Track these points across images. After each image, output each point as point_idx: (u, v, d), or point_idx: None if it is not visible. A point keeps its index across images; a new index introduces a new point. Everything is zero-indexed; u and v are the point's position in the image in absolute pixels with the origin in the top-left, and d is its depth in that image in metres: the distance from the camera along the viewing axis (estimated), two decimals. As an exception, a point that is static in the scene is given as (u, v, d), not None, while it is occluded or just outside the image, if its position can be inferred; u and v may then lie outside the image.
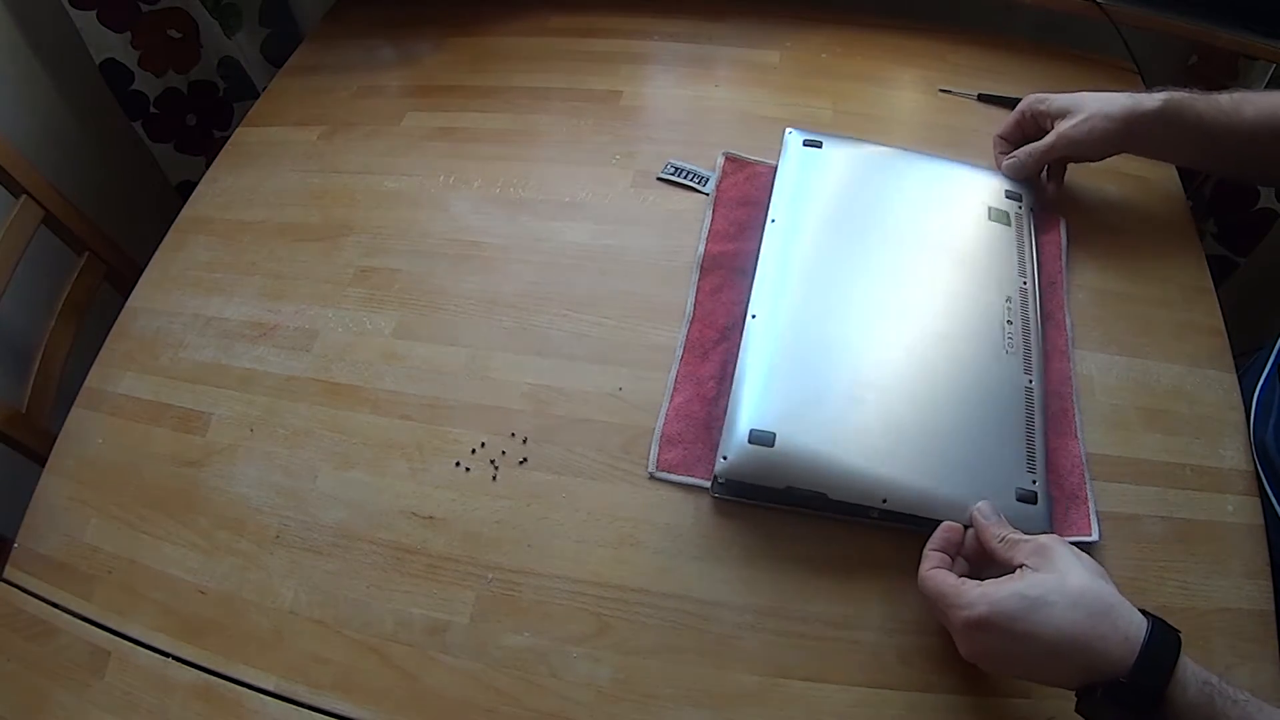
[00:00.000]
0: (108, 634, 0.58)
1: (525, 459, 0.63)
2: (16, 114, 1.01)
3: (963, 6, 1.01)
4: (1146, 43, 0.90)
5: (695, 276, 0.72)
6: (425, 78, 0.94)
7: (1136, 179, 0.79)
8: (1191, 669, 0.43)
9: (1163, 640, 0.44)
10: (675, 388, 0.66)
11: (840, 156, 0.74)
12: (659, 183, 0.80)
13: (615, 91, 0.89)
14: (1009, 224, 0.69)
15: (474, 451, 0.64)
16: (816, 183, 0.72)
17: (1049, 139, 0.70)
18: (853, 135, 0.77)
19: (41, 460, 0.68)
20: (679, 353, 0.68)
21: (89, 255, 0.92)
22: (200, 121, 1.19)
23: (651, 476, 0.62)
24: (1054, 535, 0.49)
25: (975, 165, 0.75)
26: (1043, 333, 0.66)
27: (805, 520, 0.59)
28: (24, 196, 0.85)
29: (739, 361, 0.62)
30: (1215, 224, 1.06)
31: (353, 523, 0.61)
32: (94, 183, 1.11)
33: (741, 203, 0.77)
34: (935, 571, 0.50)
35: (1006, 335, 0.62)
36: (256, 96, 0.96)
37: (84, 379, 0.72)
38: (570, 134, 0.85)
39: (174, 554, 0.61)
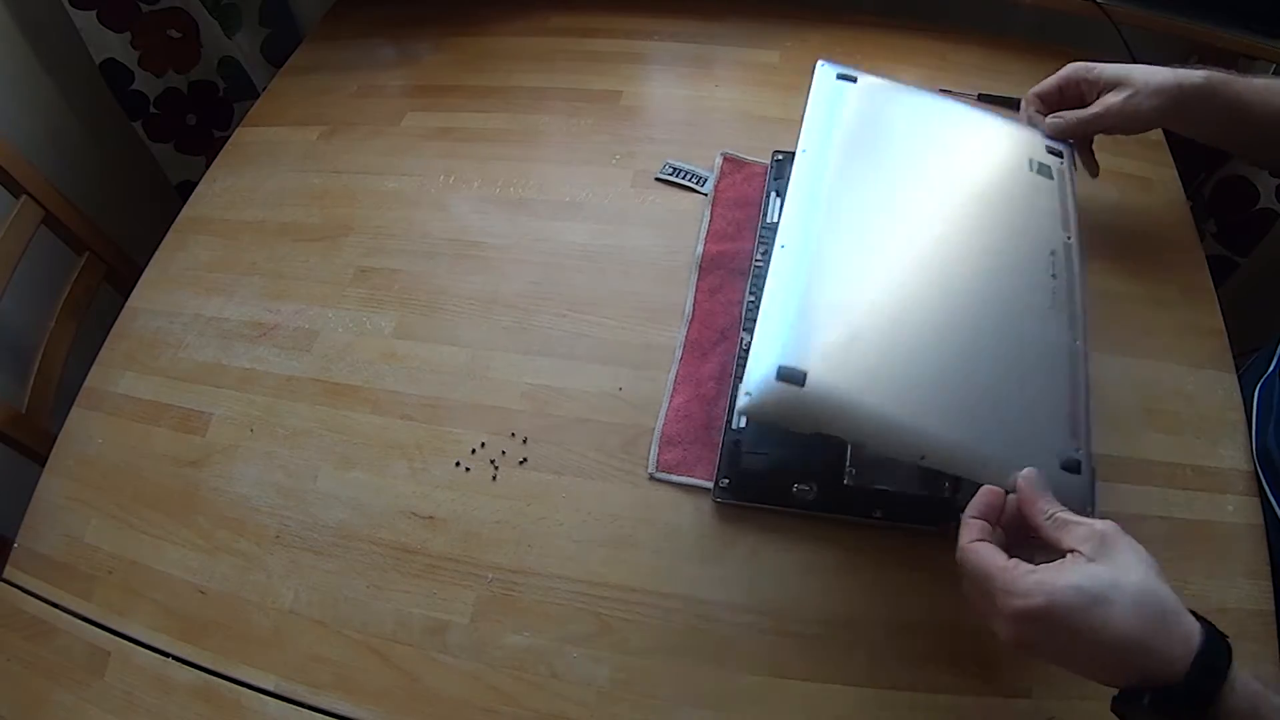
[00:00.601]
0: (107, 634, 0.58)
1: (525, 459, 0.63)
2: (16, 114, 1.01)
3: (962, 6, 1.01)
4: (1146, 43, 0.90)
5: (694, 276, 0.72)
6: (425, 77, 0.94)
7: (1136, 179, 0.80)
8: (1239, 676, 0.41)
9: (1216, 648, 0.42)
10: (675, 388, 0.66)
11: (875, 93, 0.68)
12: (658, 183, 0.80)
13: (615, 91, 0.89)
14: (1051, 178, 0.64)
15: (474, 451, 0.64)
16: (849, 117, 0.66)
17: (1096, 109, 0.67)
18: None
19: (41, 460, 0.69)
20: (678, 353, 0.68)
21: (89, 255, 0.92)
22: (200, 121, 1.19)
23: (651, 477, 0.62)
24: (1113, 523, 0.44)
25: (1012, 119, 0.70)
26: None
27: (805, 520, 0.59)
28: (24, 196, 0.85)
29: (763, 292, 0.55)
30: (1215, 224, 1.06)
31: (353, 523, 0.61)
32: (94, 183, 1.11)
33: (740, 203, 0.77)
34: (981, 546, 0.45)
35: (1051, 290, 0.57)
36: (256, 96, 0.96)
37: (84, 379, 0.72)
38: (570, 134, 0.85)
39: (174, 554, 0.61)
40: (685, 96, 0.89)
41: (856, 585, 0.57)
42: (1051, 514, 0.46)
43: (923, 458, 0.50)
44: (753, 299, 0.69)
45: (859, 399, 0.50)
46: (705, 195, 0.78)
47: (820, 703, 0.53)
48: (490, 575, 0.59)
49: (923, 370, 0.52)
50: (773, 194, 0.76)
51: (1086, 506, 0.49)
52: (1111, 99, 0.67)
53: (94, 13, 1.01)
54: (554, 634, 0.56)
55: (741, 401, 0.51)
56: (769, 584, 0.58)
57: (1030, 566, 0.44)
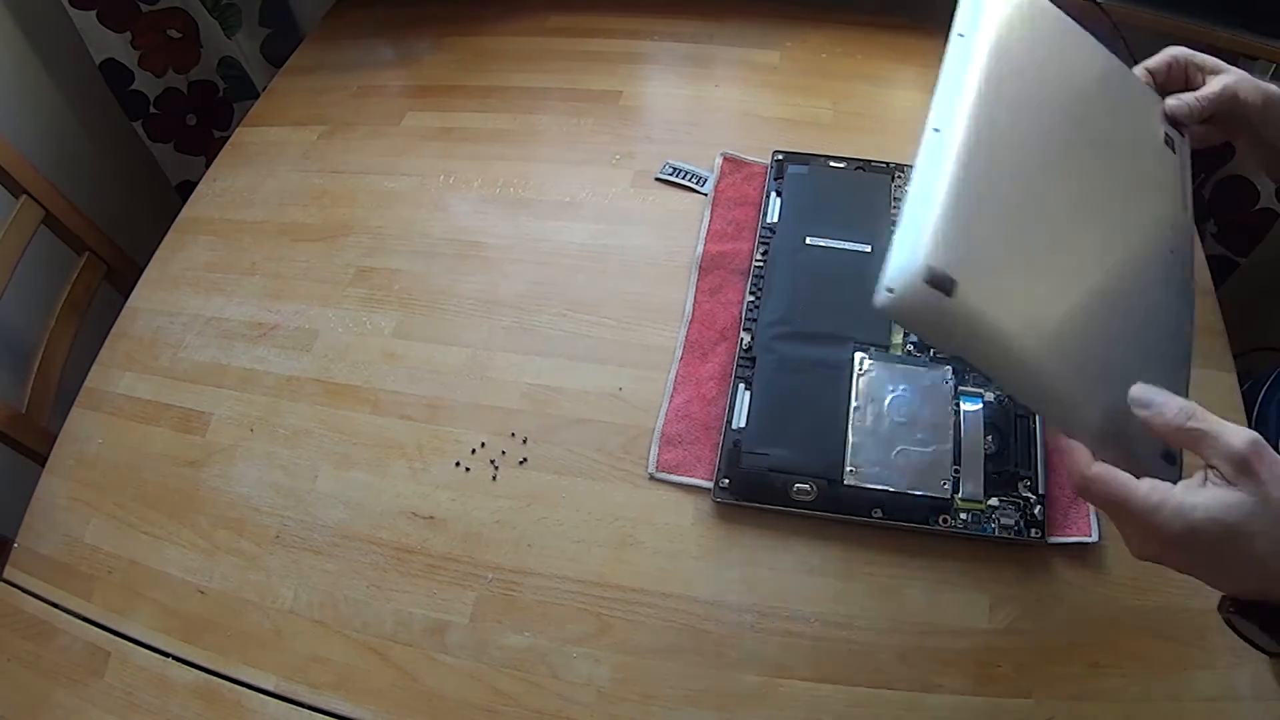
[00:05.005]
0: (107, 634, 0.58)
1: (525, 459, 0.63)
2: (16, 114, 1.01)
3: (963, 6, 1.01)
4: (1147, 43, 0.90)
5: (694, 277, 0.72)
6: (425, 78, 0.94)
7: (1136, 179, 0.80)
8: None
9: None
10: (675, 388, 0.66)
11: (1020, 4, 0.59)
12: (658, 183, 0.80)
13: (615, 91, 0.89)
14: (1175, 152, 0.60)
15: (474, 451, 0.64)
16: (1002, 16, 0.58)
17: (1214, 88, 0.62)
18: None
19: (41, 460, 0.69)
20: (678, 353, 0.68)
21: (89, 255, 0.92)
22: (200, 121, 1.19)
23: (651, 477, 0.62)
24: (1255, 436, 0.40)
25: (1143, 85, 0.63)
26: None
27: (805, 520, 0.59)
28: (24, 196, 0.85)
29: (913, 177, 0.48)
30: (1215, 224, 1.06)
31: (353, 523, 0.61)
32: (94, 183, 1.11)
33: (739, 203, 0.77)
34: (1105, 470, 0.42)
35: (1169, 265, 0.52)
36: (256, 96, 0.96)
37: (84, 379, 0.72)
38: (569, 134, 0.85)
39: (174, 554, 0.61)
40: (685, 96, 0.89)
41: (856, 585, 0.57)
42: (1191, 418, 0.42)
43: (1038, 414, 0.46)
44: (753, 299, 0.69)
45: (1005, 326, 0.44)
46: (705, 195, 0.78)
47: (820, 703, 0.53)
48: (490, 575, 0.59)
49: (1070, 319, 0.46)
50: (773, 194, 0.76)
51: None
52: (1226, 78, 0.62)
53: (94, 13, 1.01)
54: (554, 634, 0.56)
55: (880, 299, 0.42)
56: (769, 584, 0.58)
57: (1166, 487, 0.41)
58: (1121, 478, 0.41)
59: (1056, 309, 0.46)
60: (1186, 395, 0.46)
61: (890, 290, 0.42)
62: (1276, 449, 0.58)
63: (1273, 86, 0.62)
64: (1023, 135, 0.52)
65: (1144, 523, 0.41)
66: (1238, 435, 0.40)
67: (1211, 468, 0.40)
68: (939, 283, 0.42)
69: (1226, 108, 0.62)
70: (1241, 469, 0.39)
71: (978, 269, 0.44)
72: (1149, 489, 0.40)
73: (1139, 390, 0.43)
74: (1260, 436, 0.40)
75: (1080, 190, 0.53)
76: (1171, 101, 0.63)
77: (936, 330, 0.43)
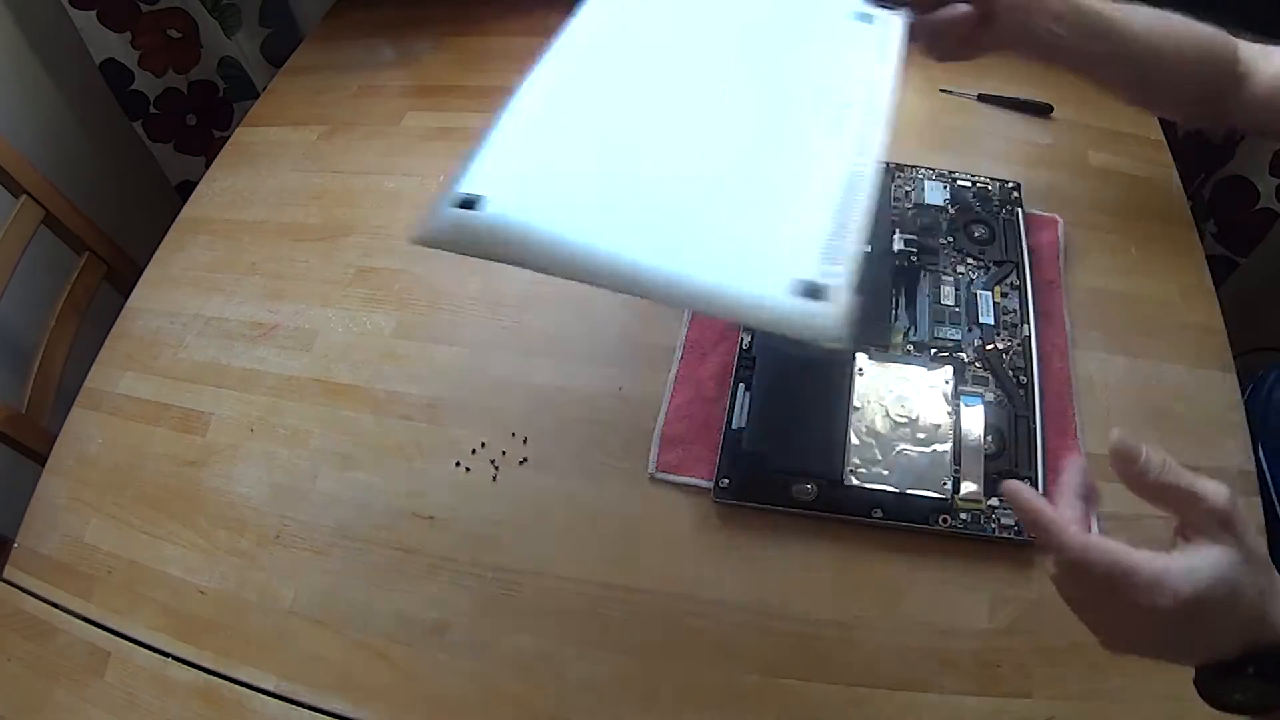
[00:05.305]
0: (108, 634, 0.58)
1: (525, 459, 0.63)
2: (16, 114, 1.01)
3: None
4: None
5: (695, 276, 0.72)
6: (425, 78, 0.94)
7: (1136, 179, 0.80)
8: None
9: None
10: (675, 388, 0.66)
11: None
12: (659, 183, 0.80)
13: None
14: (871, 24, 0.58)
15: (474, 451, 0.64)
16: None
17: None
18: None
19: (41, 460, 0.69)
20: (678, 353, 0.68)
21: (89, 255, 0.92)
22: (200, 121, 1.19)
23: (651, 477, 0.62)
24: (1225, 488, 0.39)
25: None
26: (1038, 330, 0.66)
27: (805, 520, 0.59)
28: (24, 196, 0.85)
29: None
30: (1215, 224, 1.06)
31: (353, 523, 0.61)
32: (94, 183, 1.11)
33: (741, 203, 0.77)
34: (1104, 541, 0.39)
35: (841, 118, 0.51)
36: (256, 96, 0.96)
37: (84, 379, 0.72)
38: (570, 134, 0.85)
39: (174, 554, 0.61)
40: (685, 96, 0.89)
41: (856, 585, 0.57)
42: (1167, 478, 0.40)
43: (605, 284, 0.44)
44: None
45: (547, 225, 0.44)
46: (705, 195, 0.78)
47: (820, 703, 0.53)
48: (490, 575, 0.59)
49: (642, 195, 0.47)
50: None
51: (835, 337, 0.41)
52: None
53: (94, 13, 1.01)
54: (554, 634, 0.56)
55: (414, 231, 0.45)
56: (769, 584, 0.58)
57: (1161, 554, 0.38)
58: (1121, 546, 0.38)
59: (640, 194, 0.46)
60: (856, 227, 0.45)
61: (421, 221, 0.44)
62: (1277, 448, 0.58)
63: None
64: (655, 58, 0.54)
65: (1148, 594, 0.37)
66: (1218, 491, 0.38)
67: (1189, 527, 0.39)
68: (465, 202, 0.44)
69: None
70: (1225, 524, 0.38)
71: (520, 180, 0.45)
72: (1149, 555, 0.38)
73: (1121, 441, 0.40)
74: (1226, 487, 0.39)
75: (710, 79, 0.53)
76: None
77: (467, 243, 0.44)
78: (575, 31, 0.56)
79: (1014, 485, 0.42)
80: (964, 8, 0.57)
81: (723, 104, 0.52)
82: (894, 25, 0.58)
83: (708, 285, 0.43)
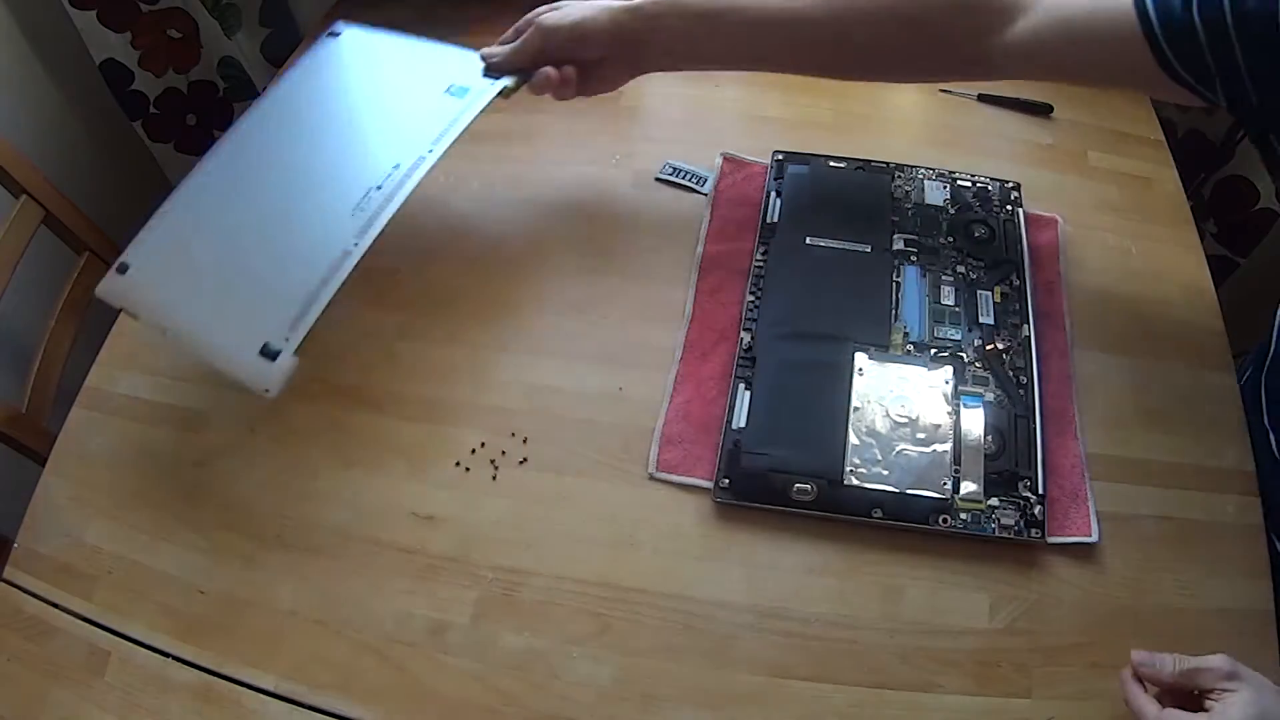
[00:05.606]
0: (108, 634, 0.58)
1: (525, 459, 0.63)
2: (16, 114, 1.01)
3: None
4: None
5: (694, 277, 0.72)
6: (425, 78, 0.94)
7: (1136, 179, 0.80)
8: None
9: None
10: (675, 388, 0.66)
11: (352, 45, 0.74)
12: (658, 183, 0.80)
13: (615, 91, 0.89)
14: (462, 98, 0.67)
15: (474, 451, 0.64)
16: (312, 67, 0.72)
17: (522, 26, 0.70)
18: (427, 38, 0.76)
19: (41, 460, 0.68)
20: (679, 353, 0.68)
21: (89, 255, 0.92)
22: (200, 121, 1.19)
23: (651, 477, 0.62)
24: (1225, 656, 0.48)
25: (466, 51, 0.73)
26: (1038, 330, 0.66)
27: (805, 520, 0.59)
28: (24, 196, 0.85)
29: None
30: (1215, 224, 1.06)
31: (353, 523, 0.61)
32: (94, 183, 1.11)
33: (740, 203, 0.77)
34: (1177, 714, 0.47)
35: (364, 200, 0.62)
36: (256, 96, 0.96)
37: (84, 379, 0.72)
38: (569, 134, 0.85)
39: (174, 554, 0.61)
40: (685, 96, 0.89)
41: (856, 585, 0.57)
42: (1180, 669, 0.48)
43: (165, 331, 0.59)
44: (753, 299, 0.69)
45: (152, 287, 0.60)
46: (705, 195, 0.78)
47: (820, 703, 0.53)
48: (490, 575, 0.59)
49: (200, 264, 0.61)
50: (773, 194, 0.76)
51: (265, 389, 0.56)
52: (535, 17, 0.68)
53: (94, 13, 1.01)
54: (554, 634, 0.56)
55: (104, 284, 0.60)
56: (769, 584, 0.58)
57: (1214, 713, 0.46)
58: (1192, 716, 0.46)
59: (200, 264, 0.61)
60: (324, 298, 0.58)
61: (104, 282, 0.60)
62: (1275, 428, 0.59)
63: (607, 3, 0.66)
64: (260, 154, 0.67)
65: None
66: (1217, 658, 0.47)
67: (1210, 693, 0.47)
68: (119, 268, 0.60)
69: (543, 41, 0.67)
70: (1232, 676, 0.46)
71: (152, 254, 0.61)
72: (1205, 715, 0.46)
73: (1140, 657, 0.49)
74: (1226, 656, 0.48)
75: (273, 161, 0.66)
76: (483, 51, 0.70)
77: (126, 302, 0.60)
78: (222, 147, 0.67)
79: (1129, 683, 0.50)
80: (551, 71, 0.67)
81: (290, 198, 0.64)
82: (487, 93, 0.68)
83: (213, 344, 0.59)
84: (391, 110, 0.68)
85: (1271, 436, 0.63)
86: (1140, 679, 0.49)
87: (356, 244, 0.60)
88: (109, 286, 0.60)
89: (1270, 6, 0.48)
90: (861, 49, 0.65)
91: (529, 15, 0.69)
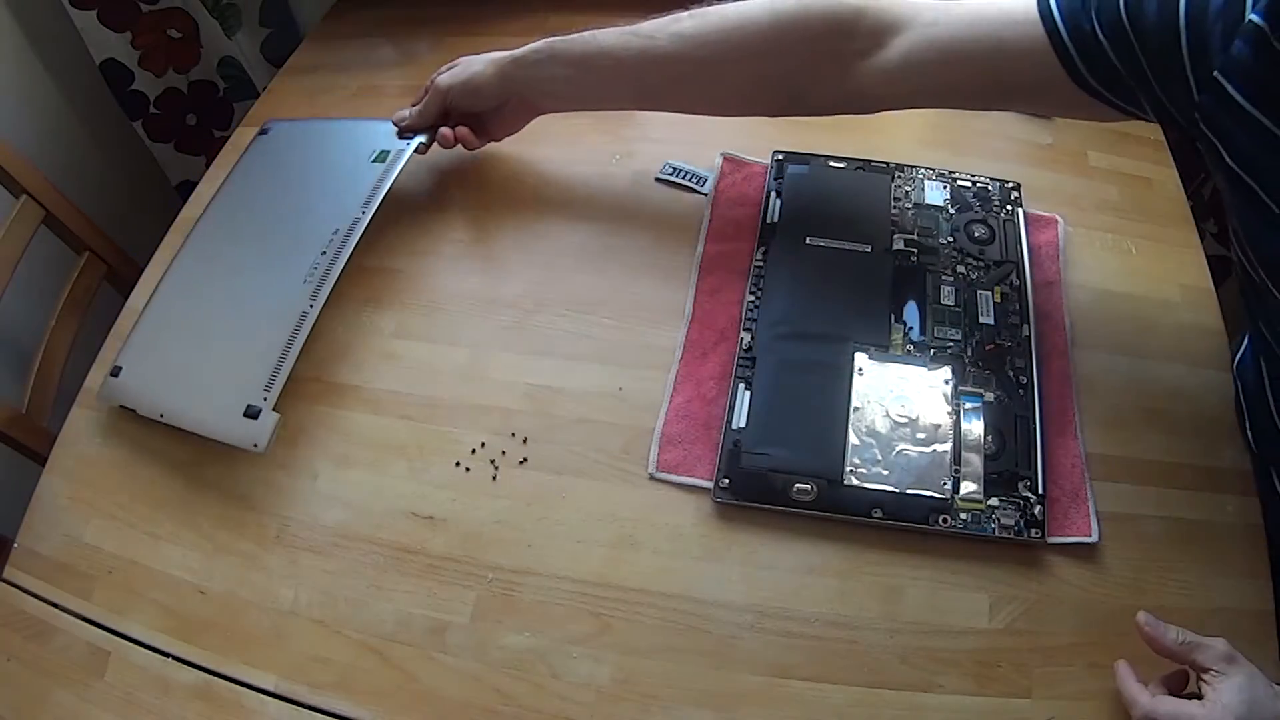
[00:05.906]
0: (107, 634, 0.58)
1: (525, 459, 0.63)
2: (16, 114, 1.01)
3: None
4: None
5: (694, 277, 0.72)
6: (425, 78, 0.93)
7: (1136, 179, 0.80)
8: None
9: None
10: (675, 388, 0.66)
11: (282, 138, 0.81)
12: (658, 183, 0.80)
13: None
14: (384, 162, 0.74)
15: (474, 451, 0.64)
16: (250, 163, 0.79)
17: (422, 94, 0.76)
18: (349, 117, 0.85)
19: (41, 460, 0.68)
20: (679, 353, 0.68)
21: (89, 255, 0.92)
22: (200, 121, 1.19)
23: (651, 477, 0.62)
24: (1223, 640, 0.50)
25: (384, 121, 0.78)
26: (1038, 330, 0.66)
27: (805, 520, 0.59)
28: (24, 196, 0.84)
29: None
30: (1215, 224, 1.06)
31: (353, 523, 0.61)
32: (94, 183, 1.11)
33: (740, 203, 0.77)
34: (1166, 698, 0.50)
35: (313, 266, 0.68)
36: (256, 96, 0.96)
37: (84, 379, 0.72)
38: (569, 134, 0.85)
39: (174, 554, 0.61)
40: (685, 96, 0.89)
41: (856, 585, 0.57)
42: (1183, 640, 0.50)
43: (161, 415, 0.64)
44: (753, 299, 0.69)
45: (143, 382, 0.66)
46: (705, 195, 0.78)
47: (820, 703, 0.53)
48: (490, 575, 0.59)
49: (180, 353, 0.67)
50: (773, 194, 0.76)
51: (254, 444, 0.61)
52: (438, 75, 0.75)
53: (94, 13, 1.01)
54: (554, 634, 0.56)
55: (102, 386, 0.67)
56: (769, 584, 0.58)
57: (1199, 703, 0.48)
58: (1176, 701, 0.49)
59: (178, 349, 0.67)
60: (290, 358, 0.64)
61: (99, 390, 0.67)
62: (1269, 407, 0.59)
63: (494, 57, 0.73)
64: (220, 246, 0.73)
65: None
66: (1218, 640, 0.49)
67: (1205, 671, 0.49)
68: (114, 373, 0.67)
69: (442, 100, 0.74)
70: (1229, 659, 0.48)
71: (138, 354, 0.67)
72: (1199, 704, 0.48)
73: (1146, 618, 0.51)
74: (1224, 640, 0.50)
75: (239, 244, 0.73)
76: (394, 116, 0.77)
77: (124, 400, 0.66)
78: (184, 249, 0.73)
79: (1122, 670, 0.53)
80: (446, 131, 0.75)
81: (248, 279, 0.70)
82: (405, 153, 0.74)
83: (203, 419, 0.64)
84: (325, 184, 0.75)
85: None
86: (1144, 638, 0.51)
87: (312, 305, 0.66)
88: (107, 390, 0.66)
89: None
90: (734, 88, 0.67)
91: (431, 76, 0.76)
